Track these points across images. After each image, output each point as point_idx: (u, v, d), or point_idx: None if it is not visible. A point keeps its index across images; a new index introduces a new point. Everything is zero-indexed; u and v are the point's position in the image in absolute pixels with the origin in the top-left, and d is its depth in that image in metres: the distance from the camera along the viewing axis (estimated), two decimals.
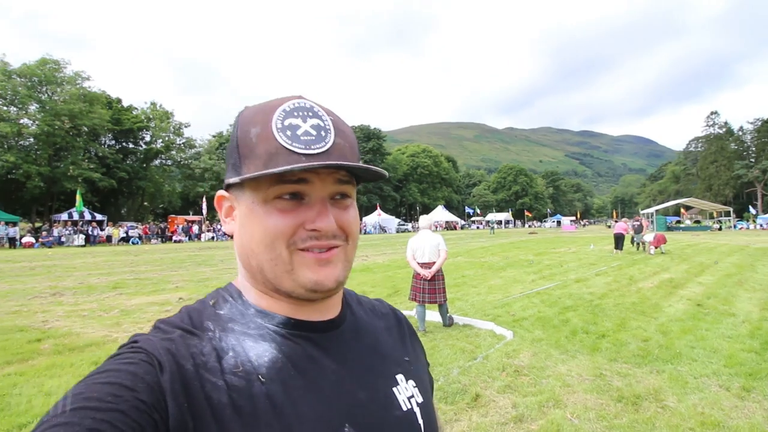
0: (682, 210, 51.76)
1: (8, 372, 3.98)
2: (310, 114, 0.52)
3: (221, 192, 0.57)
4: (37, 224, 34.16)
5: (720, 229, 41.47)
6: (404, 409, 0.57)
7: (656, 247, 15.82)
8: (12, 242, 25.40)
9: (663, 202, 58.75)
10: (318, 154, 0.50)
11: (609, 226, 60.20)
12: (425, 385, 0.65)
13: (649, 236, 16.46)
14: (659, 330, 5.41)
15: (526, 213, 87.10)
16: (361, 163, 0.53)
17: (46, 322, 6.03)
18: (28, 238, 26.11)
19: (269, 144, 0.49)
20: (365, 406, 0.54)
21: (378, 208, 51.71)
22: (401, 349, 0.67)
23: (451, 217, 63.60)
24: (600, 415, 3.13)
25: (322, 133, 0.51)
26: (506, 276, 10.48)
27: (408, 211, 77.44)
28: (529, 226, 75.81)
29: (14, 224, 27.25)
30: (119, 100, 44.33)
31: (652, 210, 42.57)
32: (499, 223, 66.01)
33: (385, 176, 0.55)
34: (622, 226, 16.52)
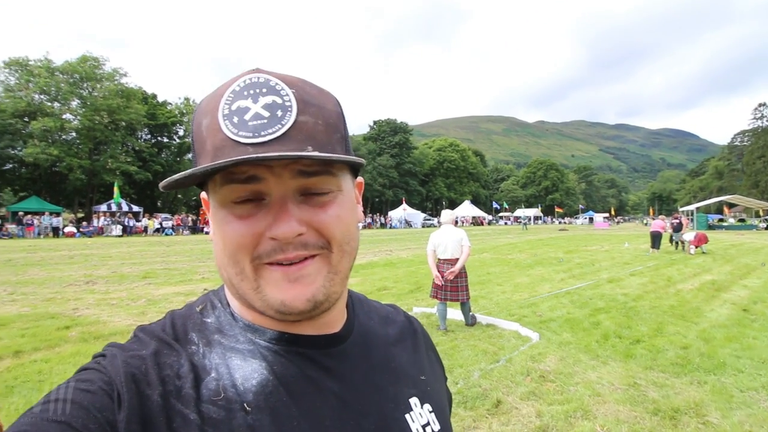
0: (725, 208, 48.98)
1: (35, 358, 4.10)
2: (265, 90, 0.43)
3: (203, 194, 0.48)
4: (79, 215, 35.91)
5: (767, 228, 39.01)
6: None
7: (697, 247, 14.97)
8: (55, 231, 26.76)
9: (704, 199, 55.69)
10: (269, 141, 0.40)
11: (645, 224, 57.89)
12: (443, 409, 0.57)
13: (689, 235, 15.59)
14: (700, 336, 5.04)
15: (557, 209, 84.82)
16: (339, 148, 0.45)
17: (77, 309, 6.23)
18: (70, 228, 27.43)
19: (216, 136, 0.41)
20: None
21: (404, 202, 51.47)
22: (417, 366, 0.59)
23: (478, 213, 62.67)
24: (633, 430, 2.90)
25: (279, 113, 0.42)
26: (534, 274, 10.13)
27: (434, 206, 76.78)
28: (560, 223, 73.78)
29: (58, 214, 28.74)
30: (155, 96, 45.91)
31: (692, 207, 40.52)
32: (528, 219, 64.50)
33: (358, 163, 0.46)
34: (660, 223, 15.69)
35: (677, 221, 16.81)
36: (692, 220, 36.42)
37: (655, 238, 15.25)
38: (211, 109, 0.43)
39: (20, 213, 27.14)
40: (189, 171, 0.39)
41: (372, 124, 71.66)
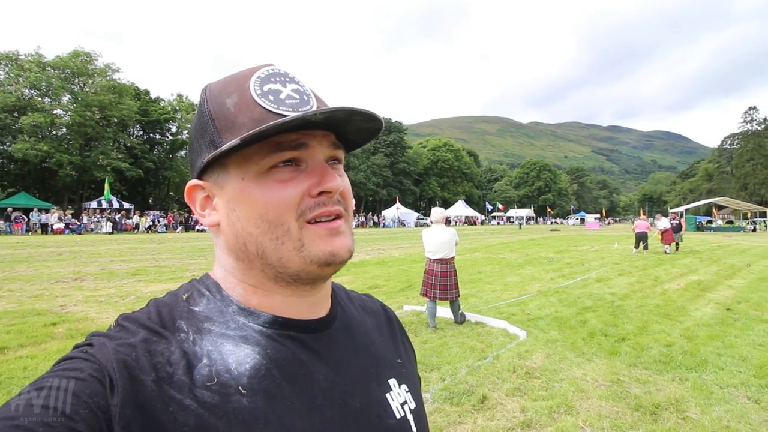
0: (714, 209, 49.68)
1: (21, 355, 4.06)
2: (287, 79, 0.50)
3: (194, 181, 0.50)
4: (68, 211, 35.55)
5: (755, 230, 39.57)
6: (398, 416, 0.53)
7: (666, 244, 15.51)
8: (44, 228, 26.43)
9: (694, 201, 56.46)
10: (308, 112, 0.47)
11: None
12: (417, 390, 0.62)
13: (663, 222, 15.88)
14: (684, 335, 5.13)
15: (549, 209, 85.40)
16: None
17: (65, 306, 6.18)
18: (59, 225, 27.11)
19: (252, 110, 0.46)
20: (358, 414, 0.49)
21: (397, 201, 51.53)
22: (393, 350, 0.63)
23: (471, 213, 62.91)
24: (614, 425, 2.95)
25: (305, 97, 0.49)
26: (524, 273, 10.22)
27: (428, 206, 76.93)
28: (552, 223, 74.31)
29: (47, 211, 28.38)
30: (147, 92, 45.44)
31: (682, 209, 41.06)
32: (521, 219, 64.91)
33: (380, 127, 0.51)
34: (644, 224, 15.85)
35: (676, 222, 16.85)
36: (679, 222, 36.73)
37: (640, 239, 15.45)
38: (235, 90, 0.47)
39: (8, 209, 26.76)
40: (278, 121, 0.42)
41: None
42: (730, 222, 46.78)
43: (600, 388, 3.55)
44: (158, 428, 0.38)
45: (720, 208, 50.18)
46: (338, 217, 0.49)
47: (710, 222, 45.56)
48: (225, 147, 0.43)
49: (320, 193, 0.47)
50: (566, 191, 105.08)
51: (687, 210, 41.18)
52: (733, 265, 12.17)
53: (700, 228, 40.58)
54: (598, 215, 78.61)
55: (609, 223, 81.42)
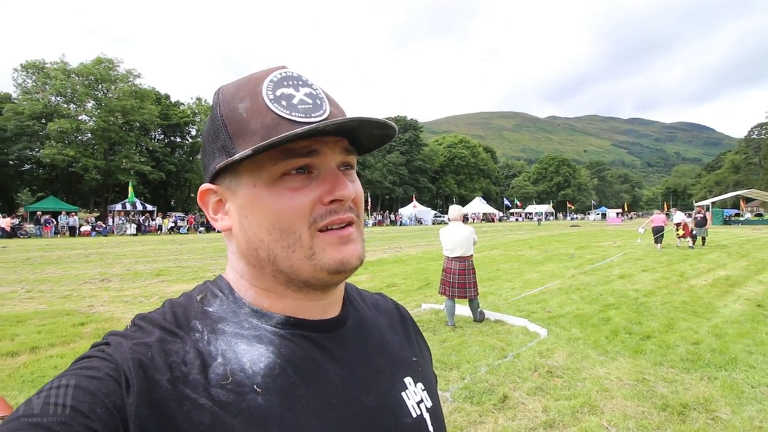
0: (742, 202, 47.96)
1: (51, 354, 4.22)
2: (301, 83, 0.49)
3: (206, 186, 0.51)
4: (95, 214, 36.62)
5: None
6: (414, 415, 0.53)
7: (684, 237, 15.12)
8: (72, 231, 27.32)
9: (720, 194, 54.57)
10: (320, 122, 0.46)
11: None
12: (433, 388, 0.61)
13: (678, 216, 15.42)
14: (712, 332, 4.97)
15: (569, 205, 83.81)
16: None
17: (92, 306, 6.38)
18: (86, 227, 27.98)
19: (264, 116, 0.45)
20: (373, 413, 0.49)
21: (414, 199, 51.39)
22: (408, 348, 0.63)
23: (489, 209, 62.26)
24: (640, 425, 2.88)
25: (318, 102, 0.48)
26: (544, 270, 10.06)
27: (445, 203, 76.47)
28: (572, 219, 72.98)
29: (74, 214, 29.34)
30: (167, 96, 46.44)
31: (708, 202, 39.69)
32: (542, 215, 63.93)
33: (393, 134, 0.51)
34: (661, 218, 15.45)
35: (701, 216, 16.31)
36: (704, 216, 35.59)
37: (657, 233, 15.05)
38: (248, 94, 0.47)
39: (38, 213, 27.78)
40: (288, 134, 0.41)
41: None
42: (759, 215, 45.07)
43: (625, 387, 3.48)
44: (173, 427, 0.38)
45: (748, 200, 48.42)
46: (350, 224, 0.49)
47: (738, 215, 44.03)
48: (237, 157, 0.44)
49: (332, 201, 0.47)
50: (586, 186, 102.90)
51: (713, 203, 39.80)
52: (763, 259, 11.74)
53: (727, 222, 39.27)
54: (620, 210, 76.75)
55: (631, 217, 79.42)
